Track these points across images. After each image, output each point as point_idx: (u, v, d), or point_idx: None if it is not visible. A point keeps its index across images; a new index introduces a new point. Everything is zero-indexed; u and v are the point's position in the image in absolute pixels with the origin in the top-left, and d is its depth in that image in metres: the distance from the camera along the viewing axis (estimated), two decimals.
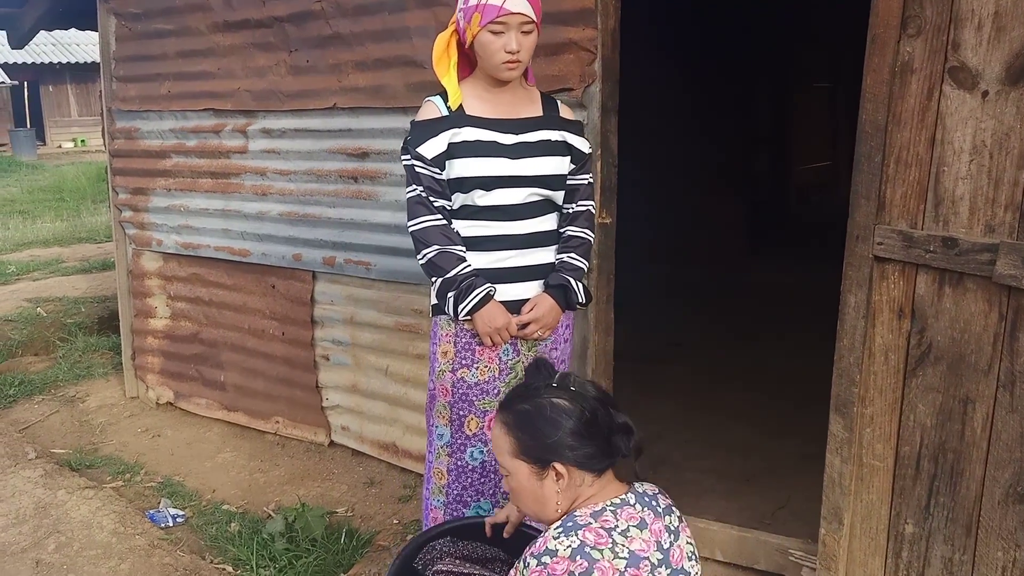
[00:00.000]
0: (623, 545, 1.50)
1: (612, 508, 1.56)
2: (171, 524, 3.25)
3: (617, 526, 1.53)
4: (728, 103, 6.81)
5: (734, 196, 6.79)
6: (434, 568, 2.15)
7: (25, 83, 23.53)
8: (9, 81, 22.88)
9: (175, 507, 3.38)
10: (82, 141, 24.58)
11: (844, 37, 8.18)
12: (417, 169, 2.23)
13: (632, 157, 3.28)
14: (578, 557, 1.47)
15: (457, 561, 2.15)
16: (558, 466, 1.58)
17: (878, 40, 2.13)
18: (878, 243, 2.16)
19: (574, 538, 1.50)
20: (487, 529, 2.05)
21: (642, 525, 1.55)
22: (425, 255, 2.23)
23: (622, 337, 3.10)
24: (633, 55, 3.00)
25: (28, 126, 23.26)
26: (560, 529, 1.53)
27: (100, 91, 4.50)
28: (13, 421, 4.37)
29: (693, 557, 1.63)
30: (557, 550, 1.49)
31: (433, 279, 2.26)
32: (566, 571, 1.46)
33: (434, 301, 2.30)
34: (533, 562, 1.51)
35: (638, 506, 1.59)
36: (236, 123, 3.83)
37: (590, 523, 1.53)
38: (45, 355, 5.42)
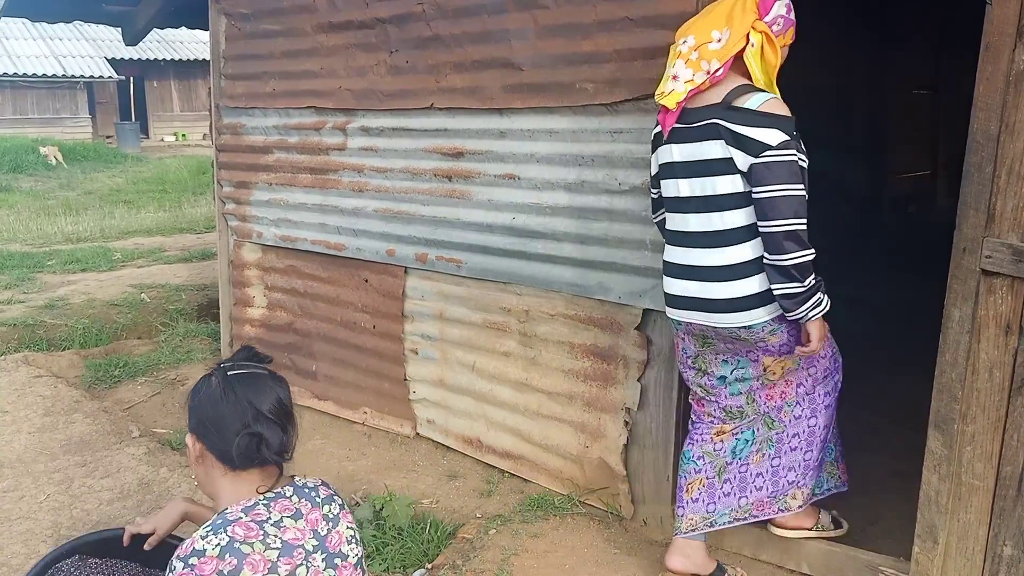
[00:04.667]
0: (276, 536, 1.54)
1: (265, 502, 1.59)
2: None
3: (270, 518, 1.56)
4: (821, 109, 6.65)
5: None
6: None
7: (131, 78, 24.66)
8: (116, 76, 24.02)
9: None
10: (183, 135, 25.64)
11: (949, 43, 7.93)
12: (801, 166, 2.21)
13: None
14: (227, 555, 1.47)
15: None
16: (190, 438, 1.66)
17: (992, 48, 2.07)
18: (986, 256, 2.11)
19: (223, 535, 1.50)
20: (125, 538, 1.92)
21: (297, 515, 1.60)
22: (804, 256, 2.20)
23: None
24: None
25: (133, 119, 24.38)
26: (209, 528, 1.53)
27: (209, 87, 4.70)
28: (118, 400, 4.62)
29: (353, 541, 1.67)
30: (205, 550, 1.48)
31: (789, 283, 2.22)
32: (215, 570, 1.46)
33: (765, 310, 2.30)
34: (179, 565, 1.49)
35: (295, 497, 1.63)
36: (336, 121, 3.96)
37: (240, 518, 1.54)
38: (148, 339, 5.70)
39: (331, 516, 1.66)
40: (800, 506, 2.68)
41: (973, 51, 2.14)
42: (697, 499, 2.62)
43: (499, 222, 3.37)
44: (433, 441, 3.90)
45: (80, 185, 15.36)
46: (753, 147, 2.20)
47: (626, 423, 3.12)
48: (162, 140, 25.31)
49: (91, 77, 23.63)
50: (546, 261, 3.26)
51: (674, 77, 2.30)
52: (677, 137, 2.35)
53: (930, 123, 8.66)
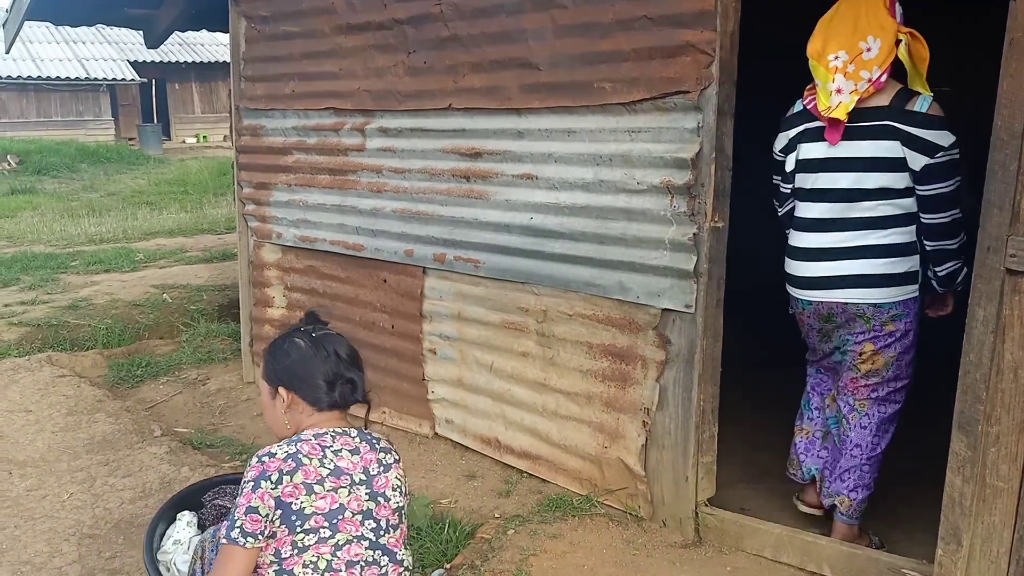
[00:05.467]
0: (332, 460, 1.87)
1: (333, 434, 1.92)
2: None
3: (332, 446, 1.90)
4: None
5: None
6: (212, 502, 2.52)
7: (153, 80, 24.90)
8: (138, 78, 24.26)
9: None
10: (204, 137, 25.85)
11: (970, 40, 7.82)
12: (959, 160, 2.51)
13: (748, 162, 3.24)
14: (290, 460, 1.83)
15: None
16: (282, 391, 1.97)
17: (1016, 44, 2.04)
18: (1011, 255, 2.08)
19: (292, 447, 1.87)
20: None
21: (355, 452, 1.92)
22: (963, 238, 2.56)
23: (729, 342, 3.07)
24: (749, 56, 2.96)
25: (155, 122, 24.61)
26: (285, 441, 1.90)
27: (229, 90, 4.73)
28: (140, 400, 4.66)
29: (399, 490, 1.97)
30: (276, 453, 1.85)
31: (954, 262, 2.60)
32: (277, 468, 1.81)
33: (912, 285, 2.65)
34: (254, 459, 1.85)
35: (358, 439, 1.95)
36: (355, 122, 3.97)
37: (310, 439, 1.90)
38: (170, 339, 5.75)
39: (384, 463, 1.95)
40: (843, 515, 2.85)
41: (996, 47, 2.11)
42: (797, 444, 3.04)
43: (517, 222, 3.37)
44: (451, 441, 3.90)
45: (103, 187, 15.52)
46: (929, 148, 2.48)
47: (645, 424, 3.11)
48: (183, 142, 25.54)
49: (114, 80, 23.90)
50: (564, 261, 3.25)
51: (838, 91, 2.53)
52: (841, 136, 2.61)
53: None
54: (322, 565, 1.81)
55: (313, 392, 1.94)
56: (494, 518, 3.23)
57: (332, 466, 1.86)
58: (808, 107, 2.68)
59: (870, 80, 2.50)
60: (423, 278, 3.85)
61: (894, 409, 2.83)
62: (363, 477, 1.89)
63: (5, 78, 22.21)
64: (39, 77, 22.76)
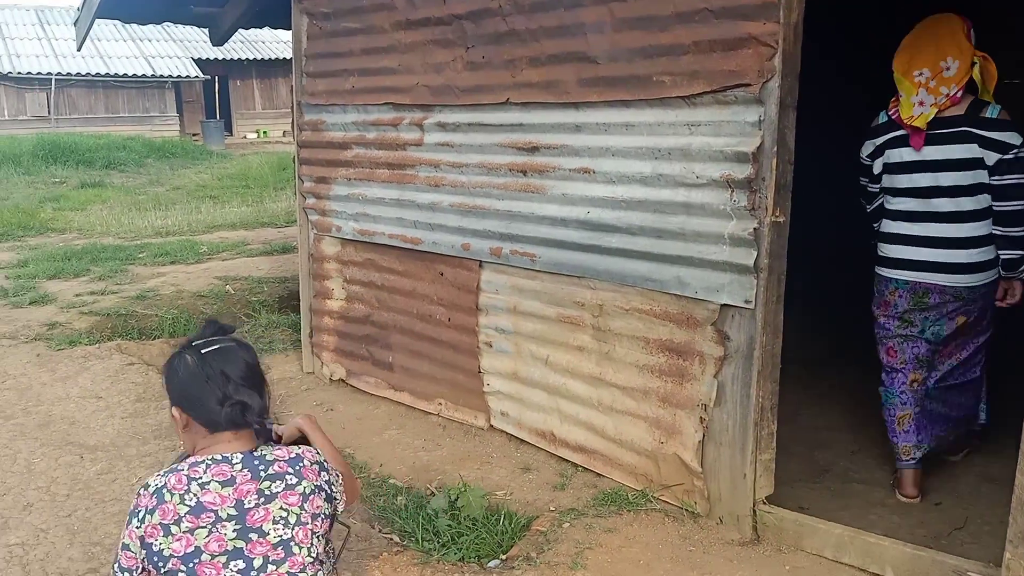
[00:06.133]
0: (194, 495, 1.72)
1: (209, 462, 1.76)
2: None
3: (200, 478, 1.74)
4: None
5: None
6: None
7: (216, 77, 25.47)
8: (202, 75, 24.84)
9: None
10: (264, 132, 26.36)
11: None
12: None
13: (810, 156, 3.20)
14: (155, 496, 1.72)
15: None
16: (175, 411, 1.86)
17: None
18: None
19: (165, 479, 1.75)
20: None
21: (229, 482, 1.74)
22: None
23: (787, 339, 3.02)
24: (812, 48, 2.91)
25: (217, 118, 25.17)
26: (169, 468, 1.78)
27: (291, 86, 4.82)
28: None
29: (281, 521, 1.74)
30: (150, 485, 1.75)
31: (1013, 248, 2.99)
32: (145, 505, 1.72)
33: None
34: (140, 487, 1.77)
35: (239, 466, 1.76)
36: (413, 117, 4.01)
37: (182, 470, 1.75)
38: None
39: (268, 492, 1.76)
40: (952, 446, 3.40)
41: None
42: (908, 431, 3.19)
43: (574, 216, 3.37)
44: (506, 433, 3.92)
45: (168, 181, 15.95)
46: (1001, 147, 2.90)
47: (702, 420, 3.08)
48: (245, 137, 26.08)
49: (178, 77, 24.51)
50: (621, 255, 3.24)
51: (920, 103, 2.98)
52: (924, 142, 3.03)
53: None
54: None
55: (204, 413, 1.81)
56: (549, 511, 3.24)
57: (193, 502, 1.71)
58: (893, 117, 3.09)
59: (948, 95, 2.94)
60: (479, 272, 3.88)
61: (980, 371, 3.31)
62: (232, 512, 1.72)
63: (75, 75, 22.96)
64: (107, 74, 23.47)
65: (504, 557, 2.94)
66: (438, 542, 3.02)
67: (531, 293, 3.67)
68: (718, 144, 2.86)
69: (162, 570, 1.69)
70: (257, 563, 1.70)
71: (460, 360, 4.06)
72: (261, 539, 1.72)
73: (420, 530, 3.08)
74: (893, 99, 3.09)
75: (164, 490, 1.72)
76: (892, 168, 3.13)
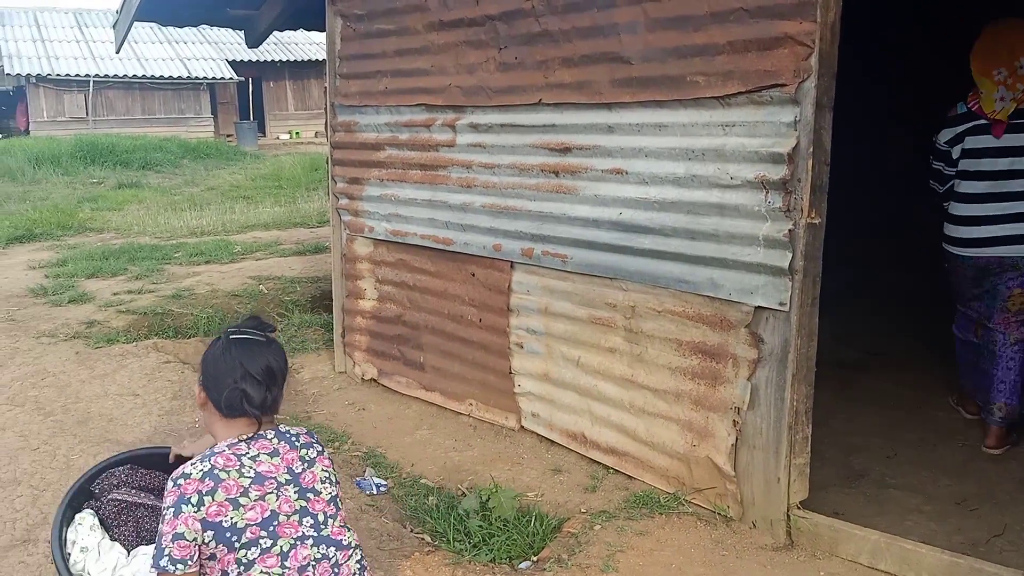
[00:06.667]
0: (250, 467, 1.83)
1: (247, 440, 1.88)
2: (375, 492, 3.49)
3: (248, 452, 1.85)
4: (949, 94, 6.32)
5: None
6: (110, 496, 2.35)
7: (249, 79, 25.75)
8: (236, 77, 25.13)
9: (378, 477, 3.62)
10: (296, 133, 26.61)
11: None
12: None
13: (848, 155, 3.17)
14: (206, 479, 1.78)
15: (133, 491, 2.38)
16: (198, 387, 1.96)
17: None
18: None
19: (207, 463, 1.81)
20: (171, 456, 2.36)
21: (274, 453, 1.88)
22: None
23: (820, 342, 2.99)
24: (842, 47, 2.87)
25: (251, 119, 25.47)
26: (200, 458, 1.84)
27: (325, 87, 4.86)
28: None
29: (328, 481, 1.94)
30: (191, 473, 1.80)
31: None
32: (195, 490, 1.77)
33: None
34: (171, 484, 1.80)
35: (275, 440, 1.91)
36: (446, 118, 4.03)
37: (223, 451, 1.84)
38: None
39: (307, 459, 1.93)
40: (1002, 420, 3.57)
41: None
42: (1003, 390, 3.53)
43: (606, 217, 3.36)
44: (537, 435, 3.92)
45: (203, 181, 16.15)
46: None
47: (735, 423, 3.06)
48: (277, 138, 26.34)
49: (213, 78, 24.83)
50: (653, 257, 3.23)
51: (1000, 99, 3.35)
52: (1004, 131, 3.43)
53: None
54: None
55: (215, 395, 1.91)
56: (580, 513, 3.23)
57: (253, 474, 1.83)
58: (972, 109, 3.45)
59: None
60: (511, 272, 3.88)
61: None
62: (288, 477, 1.87)
63: (113, 77, 23.36)
64: (144, 76, 23.85)
65: (535, 559, 2.94)
66: (469, 543, 3.02)
67: (562, 294, 3.66)
68: (753, 145, 2.84)
69: (237, 544, 1.77)
70: (320, 518, 1.89)
71: (491, 361, 4.07)
72: (317, 497, 1.90)
73: (451, 530, 3.09)
74: (972, 92, 3.46)
75: (216, 471, 1.80)
76: (972, 153, 3.49)
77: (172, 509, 1.76)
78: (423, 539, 3.13)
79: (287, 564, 1.80)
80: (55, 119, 22.99)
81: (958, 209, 3.57)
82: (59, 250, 8.89)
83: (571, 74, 3.41)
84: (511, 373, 3.98)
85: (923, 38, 5.83)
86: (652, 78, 3.10)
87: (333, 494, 1.95)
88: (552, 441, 3.85)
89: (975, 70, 3.42)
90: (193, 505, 1.75)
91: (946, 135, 3.57)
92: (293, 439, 1.94)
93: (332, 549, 1.89)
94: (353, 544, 1.96)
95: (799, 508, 2.98)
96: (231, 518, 1.77)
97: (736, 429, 3.05)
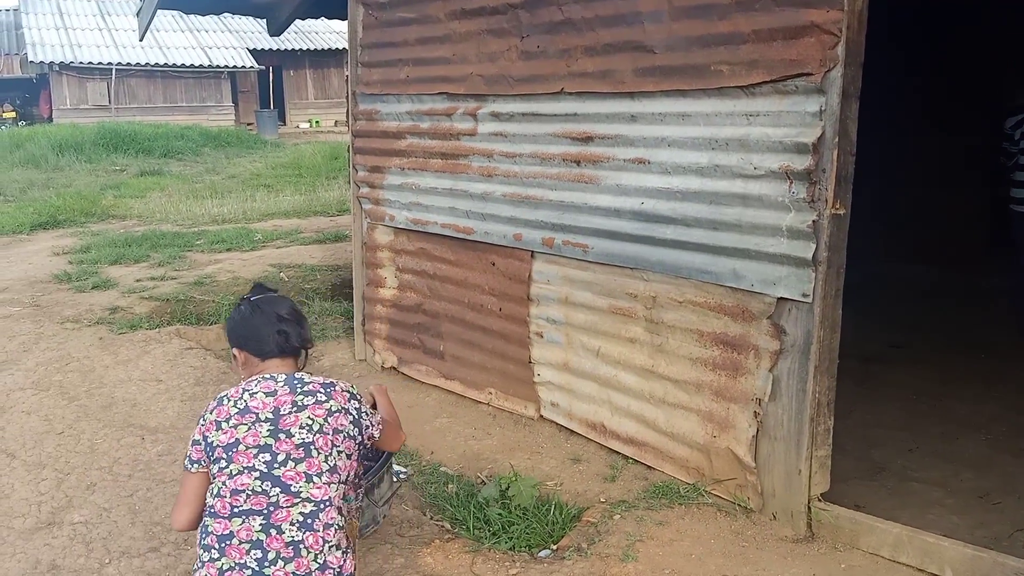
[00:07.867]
0: (244, 400, 2.07)
1: (261, 379, 2.12)
2: (395, 480, 3.50)
3: (251, 389, 2.09)
4: (975, 88, 6.24)
5: (977, 191, 6.23)
6: None
7: (270, 68, 25.81)
8: (257, 66, 25.20)
9: (398, 464, 3.64)
10: (316, 122, 26.66)
11: None
12: None
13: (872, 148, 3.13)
14: (217, 401, 2.10)
15: None
16: (235, 351, 2.24)
17: None
18: None
19: (229, 391, 2.12)
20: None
21: (271, 393, 2.08)
22: None
23: (842, 334, 2.97)
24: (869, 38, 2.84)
25: (271, 107, 25.52)
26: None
27: (346, 76, 4.87)
28: None
29: (307, 428, 2.04)
30: (216, 396, 2.13)
31: None
32: (208, 409, 2.09)
33: None
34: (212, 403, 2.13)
35: (282, 383, 2.10)
36: (467, 106, 4.02)
37: (240, 384, 2.13)
38: None
39: (300, 404, 2.08)
40: None
41: None
42: None
43: (627, 207, 3.35)
44: (556, 424, 3.93)
45: (224, 169, 16.23)
46: None
47: (756, 414, 3.05)
48: (297, 127, 26.39)
49: (234, 67, 24.91)
50: (675, 247, 3.21)
51: None
52: None
53: None
54: (215, 490, 2.01)
55: (255, 344, 2.19)
56: (600, 502, 3.24)
57: (242, 406, 2.06)
58: None
59: None
60: (531, 262, 3.88)
61: None
62: (269, 416, 2.04)
63: (135, 65, 23.49)
64: (166, 64, 23.96)
65: (555, 547, 2.95)
66: (489, 530, 3.04)
67: (583, 284, 3.66)
68: (777, 135, 2.82)
69: (212, 457, 2.03)
70: (280, 457, 2.01)
71: (511, 350, 4.07)
72: (287, 439, 2.02)
73: (471, 518, 3.10)
74: None
75: (225, 397, 2.10)
76: None
77: (198, 421, 2.11)
78: (443, 526, 3.15)
79: (227, 483, 2.00)
80: (78, 107, 23.15)
81: (1021, 177, 4.79)
82: (82, 236, 8.98)
83: (594, 63, 3.39)
84: (531, 362, 3.98)
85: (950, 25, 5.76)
86: (676, 67, 3.08)
87: (306, 440, 2.03)
88: (571, 430, 3.85)
89: None
90: (203, 420, 2.08)
91: (1010, 121, 4.82)
92: (297, 385, 2.11)
93: (276, 489, 1.98)
94: (307, 497, 1.99)
95: (820, 500, 2.96)
96: (212, 437, 2.04)
97: (757, 420, 3.04)
